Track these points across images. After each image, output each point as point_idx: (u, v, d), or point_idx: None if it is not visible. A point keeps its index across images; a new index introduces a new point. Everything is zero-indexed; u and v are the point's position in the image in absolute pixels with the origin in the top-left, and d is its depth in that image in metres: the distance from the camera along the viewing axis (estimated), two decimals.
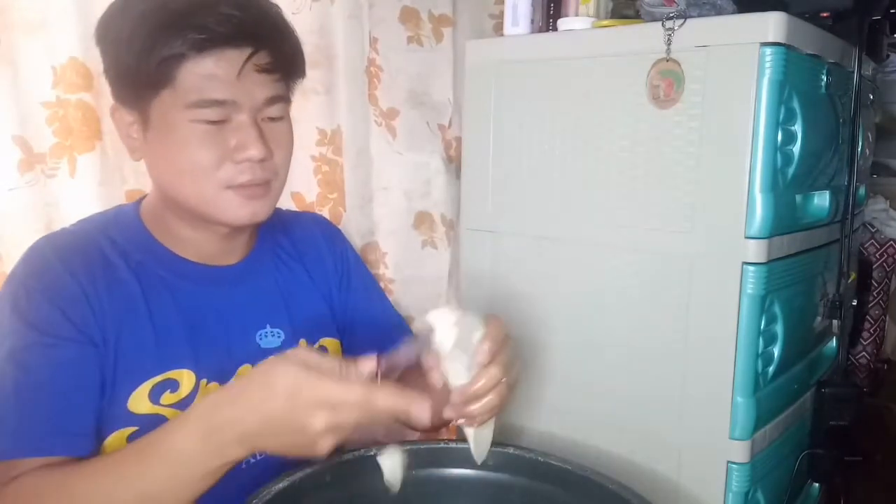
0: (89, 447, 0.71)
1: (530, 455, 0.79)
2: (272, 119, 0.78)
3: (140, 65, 0.71)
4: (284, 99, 0.80)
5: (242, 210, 0.77)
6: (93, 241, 0.78)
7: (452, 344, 0.66)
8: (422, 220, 1.61)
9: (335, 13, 1.38)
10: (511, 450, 0.79)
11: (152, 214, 0.83)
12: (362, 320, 0.96)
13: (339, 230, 1.03)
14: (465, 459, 0.78)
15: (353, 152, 1.45)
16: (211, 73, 0.72)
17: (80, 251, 0.76)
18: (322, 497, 0.72)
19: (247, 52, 0.73)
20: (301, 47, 0.82)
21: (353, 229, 1.46)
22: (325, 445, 0.60)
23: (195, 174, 0.75)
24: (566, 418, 1.23)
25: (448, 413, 0.69)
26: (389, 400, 0.60)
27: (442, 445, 0.81)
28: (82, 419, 0.72)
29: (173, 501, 0.63)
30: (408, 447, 0.76)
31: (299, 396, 0.59)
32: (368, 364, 0.63)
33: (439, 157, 1.61)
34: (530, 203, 1.25)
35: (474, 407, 0.69)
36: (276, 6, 0.79)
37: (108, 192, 1.08)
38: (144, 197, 0.86)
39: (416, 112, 1.56)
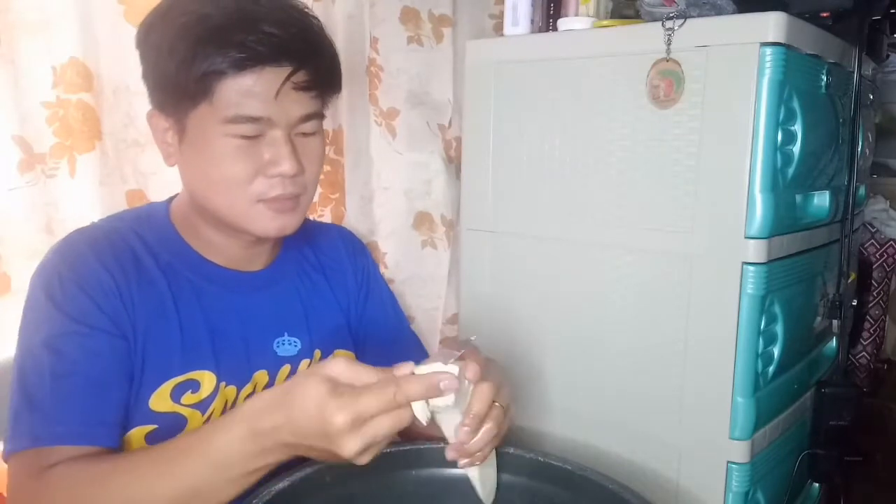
0: (118, 438, 0.72)
1: (530, 455, 0.79)
2: (305, 135, 0.79)
3: (179, 76, 0.72)
4: (319, 116, 0.80)
5: (272, 223, 0.78)
6: (124, 238, 0.79)
7: (454, 399, 0.63)
8: (422, 220, 1.61)
9: (336, 13, 1.38)
10: (511, 450, 0.78)
11: (182, 216, 0.84)
12: (377, 336, 0.96)
13: (363, 245, 1.04)
14: None
15: (354, 152, 1.45)
16: (249, 90, 0.72)
17: (113, 247, 0.77)
18: (322, 497, 0.72)
19: (286, 70, 0.73)
20: (339, 63, 0.82)
21: (353, 229, 1.46)
22: (362, 460, 0.60)
23: (227, 187, 0.75)
24: (566, 418, 1.23)
25: (451, 455, 0.69)
26: (417, 388, 0.60)
27: (443, 446, 0.81)
28: (113, 410, 0.72)
29: (211, 500, 0.64)
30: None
31: (330, 422, 0.58)
32: (405, 368, 0.63)
33: (439, 157, 1.61)
34: (530, 203, 1.25)
35: (476, 440, 0.68)
36: (317, 20, 0.79)
37: (108, 192, 1.08)
38: (175, 196, 0.87)
39: (416, 112, 1.57)
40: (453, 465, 0.80)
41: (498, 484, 0.76)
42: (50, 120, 1.02)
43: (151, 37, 0.75)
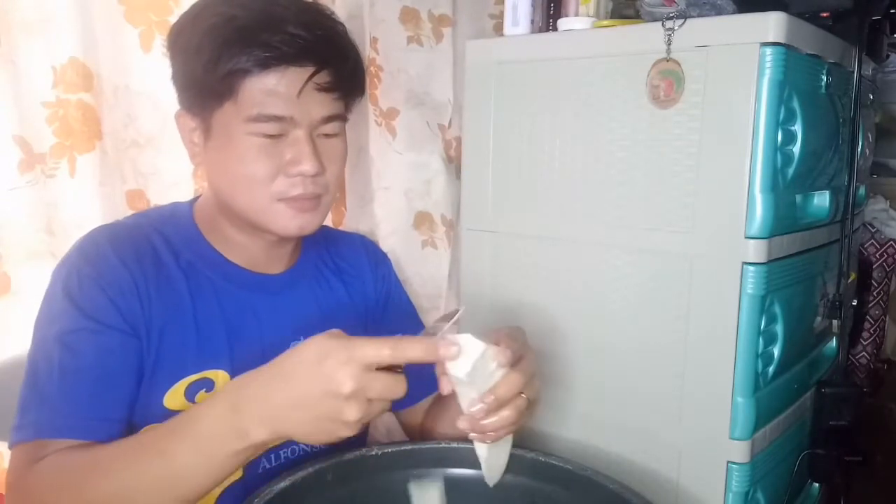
0: (119, 435, 0.73)
1: (531, 455, 0.79)
2: (327, 136, 0.80)
3: (206, 75, 0.74)
4: (341, 117, 0.82)
5: (292, 222, 0.80)
6: (146, 236, 0.80)
7: (468, 372, 0.63)
8: (422, 220, 1.61)
9: (336, 12, 1.38)
10: (512, 450, 0.79)
11: (205, 216, 0.85)
12: None
13: (386, 255, 1.05)
14: (466, 459, 0.78)
15: (353, 152, 1.45)
16: (272, 89, 0.74)
17: (134, 245, 0.78)
18: (323, 496, 0.72)
19: (309, 70, 0.75)
20: (362, 67, 0.84)
21: (353, 229, 1.46)
22: (351, 414, 0.59)
23: (250, 185, 0.77)
24: (566, 418, 1.23)
25: (462, 424, 0.69)
26: (418, 348, 0.61)
27: (443, 445, 0.81)
28: (119, 407, 0.74)
29: (198, 483, 0.64)
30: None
31: (327, 359, 0.59)
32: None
33: (439, 157, 1.61)
34: (530, 203, 1.25)
35: (490, 420, 0.68)
36: (342, 25, 0.82)
37: (108, 192, 1.08)
38: (199, 197, 0.88)
39: (416, 112, 1.57)
40: (453, 465, 0.80)
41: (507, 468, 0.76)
42: (50, 120, 1.02)
43: (181, 39, 0.78)
